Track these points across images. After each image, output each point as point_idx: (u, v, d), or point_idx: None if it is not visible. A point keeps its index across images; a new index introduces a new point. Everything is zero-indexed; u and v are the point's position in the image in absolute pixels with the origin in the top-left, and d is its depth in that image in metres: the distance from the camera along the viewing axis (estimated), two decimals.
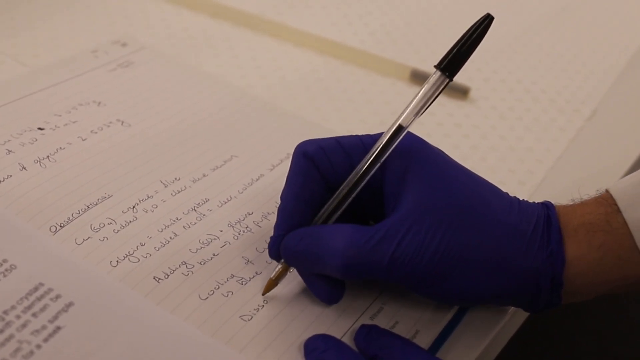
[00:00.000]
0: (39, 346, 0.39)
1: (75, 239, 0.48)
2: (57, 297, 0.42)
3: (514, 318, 0.52)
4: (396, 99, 0.70)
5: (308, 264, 0.45)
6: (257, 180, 0.56)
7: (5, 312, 0.41)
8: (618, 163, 0.47)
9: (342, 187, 0.45)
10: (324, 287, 0.46)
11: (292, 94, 0.69)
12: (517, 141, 0.67)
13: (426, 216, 0.42)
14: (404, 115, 0.44)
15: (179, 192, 0.53)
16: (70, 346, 0.40)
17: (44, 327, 0.40)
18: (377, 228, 0.42)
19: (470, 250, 0.42)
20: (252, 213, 0.52)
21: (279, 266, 0.46)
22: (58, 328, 0.41)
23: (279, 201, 0.53)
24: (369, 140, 0.46)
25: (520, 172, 0.63)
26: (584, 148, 0.68)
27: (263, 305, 0.46)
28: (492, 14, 0.45)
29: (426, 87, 0.44)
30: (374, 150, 0.44)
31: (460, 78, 0.72)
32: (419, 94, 0.44)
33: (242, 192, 0.54)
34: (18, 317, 0.41)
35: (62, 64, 0.65)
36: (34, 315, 0.41)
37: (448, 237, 0.42)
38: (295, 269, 0.47)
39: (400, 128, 0.44)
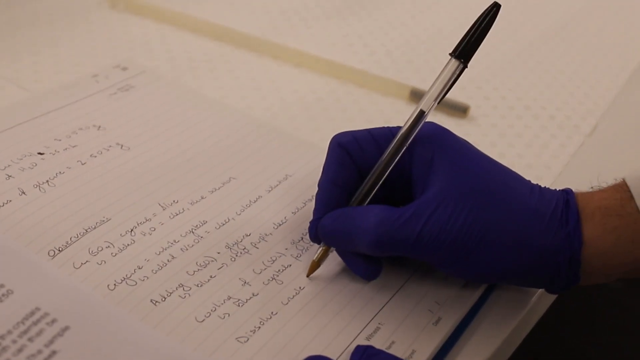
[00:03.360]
0: None
1: (73, 263, 0.48)
2: (53, 321, 0.42)
3: (515, 333, 0.52)
4: (396, 117, 0.71)
5: (343, 242, 0.48)
6: (255, 201, 0.56)
7: (2, 337, 0.41)
8: (618, 178, 0.49)
9: (373, 170, 0.49)
10: (362, 265, 0.49)
11: (292, 114, 0.70)
12: (517, 158, 0.67)
13: (451, 198, 0.45)
14: (424, 100, 0.48)
15: (176, 214, 0.54)
16: None
17: (39, 352, 0.41)
18: (406, 208, 0.46)
19: (492, 230, 0.45)
20: (249, 234, 0.53)
21: (320, 248, 0.50)
22: (54, 352, 0.41)
23: (276, 222, 0.54)
24: (397, 130, 0.49)
25: None
26: (584, 164, 0.68)
27: (259, 327, 0.46)
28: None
29: (444, 74, 0.48)
30: (399, 134, 0.48)
31: (459, 96, 0.73)
32: (437, 81, 0.48)
33: (239, 214, 0.54)
34: (14, 341, 0.41)
35: (62, 89, 0.66)
36: (30, 339, 0.41)
37: (471, 218, 0.45)
38: (335, 251, 0.50)
39: (422, 113, 0.48)
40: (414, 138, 0.48)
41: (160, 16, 0.82)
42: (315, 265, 0.50)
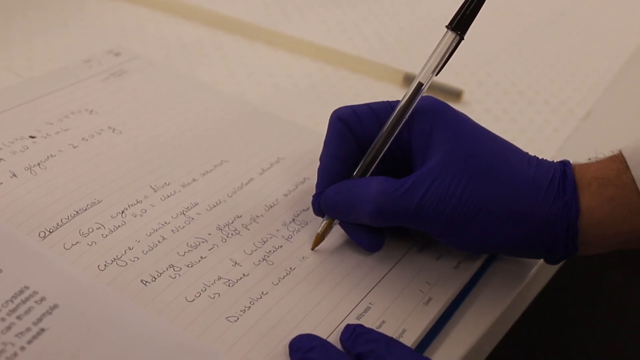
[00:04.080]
0: (22, 348, 0.40)
1: (64, 244, 0.48)
2: (42, 299, 0.42)
3: (509, 313, 0.52)
4: None
5: (345, 212, 0.49)
6: (246, 184, 0.56)
7: None
8: (615, 150, 0.49)
9: (373, 143, 0.49)
10: (365, 236, 0.50)
11: (285, 100, 0.70)
12: (511, 142, 0.67)
13: (450, 169, 0.46)
14: (422, 73, 0.49)
15: (168, 196, 0.53)
16: (53, 348, 0.40)
17: (28, 330, 0.41)
18: (406, 179, 0.46)
19: (490, 200, 0.46)
20: (240, 216, 0.53)
21: (324, 221, 0.50)
22: (42, 330, 0.41)
23: (267, 204, 0.54)
24: (397, 104, 0.49)
25: None
26: (578, 148, 0.68)
27: (249, 307, 0.46)
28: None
29: (440, 46, 0.48)
30: (399, 107, 0.49)
31: (453, 81, 0.73)
32: (434, 54, 0.49)
33: (231, 196, 0.54)
34: (3, 319, 0.41)
35: (55, 74, 0.66)
36: (19, 317, 0.41)
37: (470, 188, 0.46)
38: (338, 224, 0.51)
39: (420, 85, 0.49)
40: (413, 111, 0.49)
41: (154, 3, 0.82)
42: (319, 238, 0.50)
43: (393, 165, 0.51)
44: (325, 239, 0.51)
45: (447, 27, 0.48)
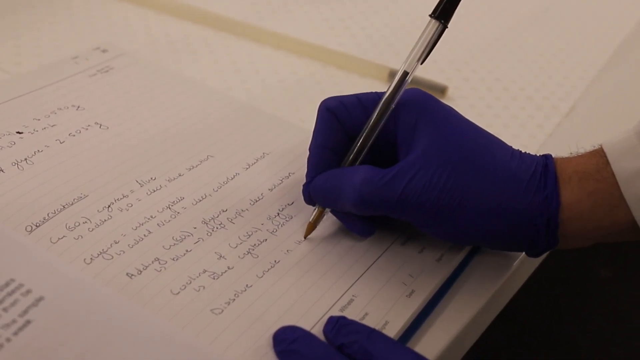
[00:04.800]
0: (8, 339, 0.40)
1: (51, 238, 0.49)
2: (28, 292, 0.43)
3: (491, 305, 0.52)
4: None
5: (332, 201, 0.50)
6: (232, 178, 0.56)
7: None
8: (596, 145, 0.50)
9: (361, 132, 0.50)
10: (357, 222, 0.51)
11: (272, 96, 0.70)
12: None
13: (434, 160, 0.47)
14: (407, 62, 0.49)
15: (154, 191, 0.54)
16: (39, 339, 0.41)
17: (14, 321, 0.41)
18: (390, 169, 0.47)
19: (471, 191, 0.47)
20: (226, 210, 0.53)
21: (315, 210, 0.51)
22: (28, 322, 0.41)
23: (252, 198, 0.54)
24: (384, 94, 0.50)
25: None
26: (561, 143, 0.68)
27: (234, 299, 0.47)
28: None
29: (424, 35, 0.49)
30: (385, 97, 0.50)
31: (438, 77, 0.73)
32: (418, 43, 0.49)
33: (216, 190, 0.55)
34: None
35: (42, 71, 0.66)
36: (5, 309, 0.42)
37: (452, 179, 0.46)
38: (330, 212, 0.52)
39: (405, 74, 0.49)
40: (399, 102, 0.50)
41: (141, 0, 0.83)
42: (311, 226, 0.51)
43: (381, 155, 0.52)
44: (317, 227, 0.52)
45: (430, 15, 0.49)
